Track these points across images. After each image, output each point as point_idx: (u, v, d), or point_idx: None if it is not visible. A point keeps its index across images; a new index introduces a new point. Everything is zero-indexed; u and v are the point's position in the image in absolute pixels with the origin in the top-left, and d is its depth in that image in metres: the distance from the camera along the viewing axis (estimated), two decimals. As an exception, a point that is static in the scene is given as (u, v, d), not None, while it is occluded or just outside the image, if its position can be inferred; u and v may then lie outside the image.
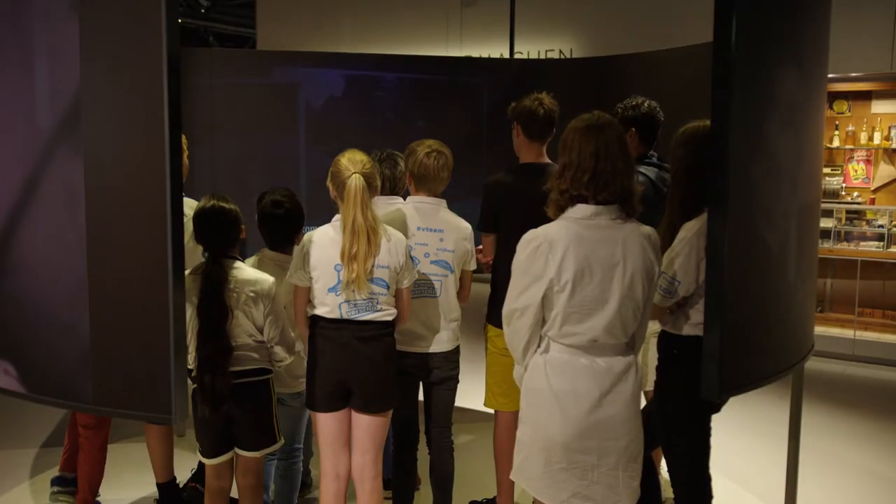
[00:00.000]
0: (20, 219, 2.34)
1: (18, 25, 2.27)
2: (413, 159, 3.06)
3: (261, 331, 2.83)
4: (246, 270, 2.84)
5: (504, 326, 2.42)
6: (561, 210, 2.31)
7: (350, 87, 5.28)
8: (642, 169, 3.26)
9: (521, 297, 2.31)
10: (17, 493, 3.77)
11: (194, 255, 3.19)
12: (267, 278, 2.84)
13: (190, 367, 2.81)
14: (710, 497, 2.74)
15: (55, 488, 3.49)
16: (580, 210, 2.27)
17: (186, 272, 2.73)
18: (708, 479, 2.73)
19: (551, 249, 2.24)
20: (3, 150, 2.36)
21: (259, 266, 3.12)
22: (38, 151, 2.27)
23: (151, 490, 3.58)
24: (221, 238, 2.83)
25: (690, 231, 2.56)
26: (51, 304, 2.32)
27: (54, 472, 3.56)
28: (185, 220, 3.29)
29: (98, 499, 3.35)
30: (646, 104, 3.35)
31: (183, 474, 3.63)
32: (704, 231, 2.48)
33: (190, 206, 3.43)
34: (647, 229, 2.33)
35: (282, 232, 3.17)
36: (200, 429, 2.86)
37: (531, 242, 2.29)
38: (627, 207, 2.29)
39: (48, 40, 2.23)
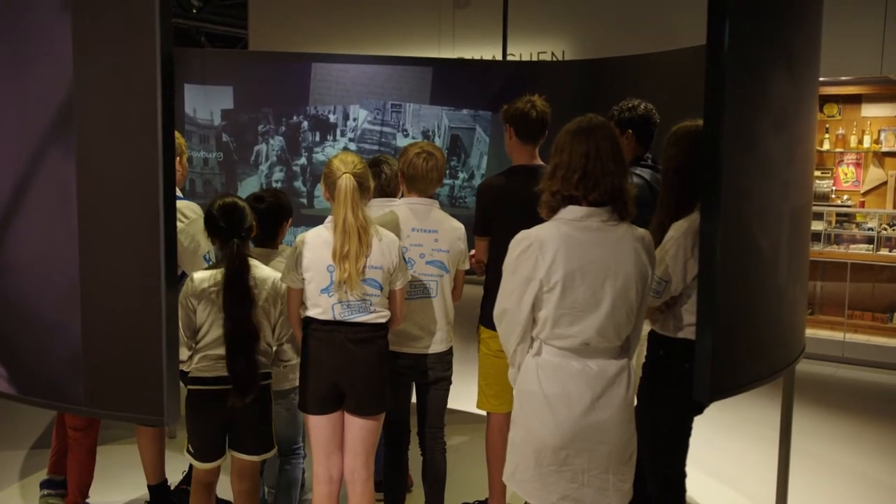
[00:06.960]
0: (12, 220, 2.32)
1: (10, 25, 2.26)
2: (404, 159, 3.08)
3: (273, 330, 2.83)
4: (263, 269, 2.84)
5: (497, 326, 2.42)
6: (553, 211, 2.31)
7: (343, 88, 5.29)
8: (638, 171, 3.27)
9: (510, 297, 2.31)
10: (7, 496, 3.74)
11: (194, 258, 3.18)
12: (278, 276, 2.83)
13: (187, 368, 2.79)
14: (684, 492, 2.74)
15: (45, 491, 3.46)
16: (571, 211, 2.27)
17: (202, 274, 2.72)
18: (683, 475, 2.74)
19: (541, 250, 2.23)
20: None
21: None
22: (30, 152, 2.26)
23: (142, 492, 3.56)
24: (236, 227, 2.76)
25: (679, 230, 2.56)
26: (42, 306, 2.30)
27: (44, 474, 3.53)
28: (187, 222, 3.28)
29: (88, 501, 3.33)
30: (642, 106, 3.36)
31: (174, 476, 3.61)
32: (693, 230, 2.49)
33: (192, 209, 3.40)
34: (642, 231, 2.33)
35: (264, 227, 3.08)
36: (195, 434, 2.82)
37: (521, 242, 2.29)
38: (620, 209, 2.28)
39: (40, 40, 2.21)
